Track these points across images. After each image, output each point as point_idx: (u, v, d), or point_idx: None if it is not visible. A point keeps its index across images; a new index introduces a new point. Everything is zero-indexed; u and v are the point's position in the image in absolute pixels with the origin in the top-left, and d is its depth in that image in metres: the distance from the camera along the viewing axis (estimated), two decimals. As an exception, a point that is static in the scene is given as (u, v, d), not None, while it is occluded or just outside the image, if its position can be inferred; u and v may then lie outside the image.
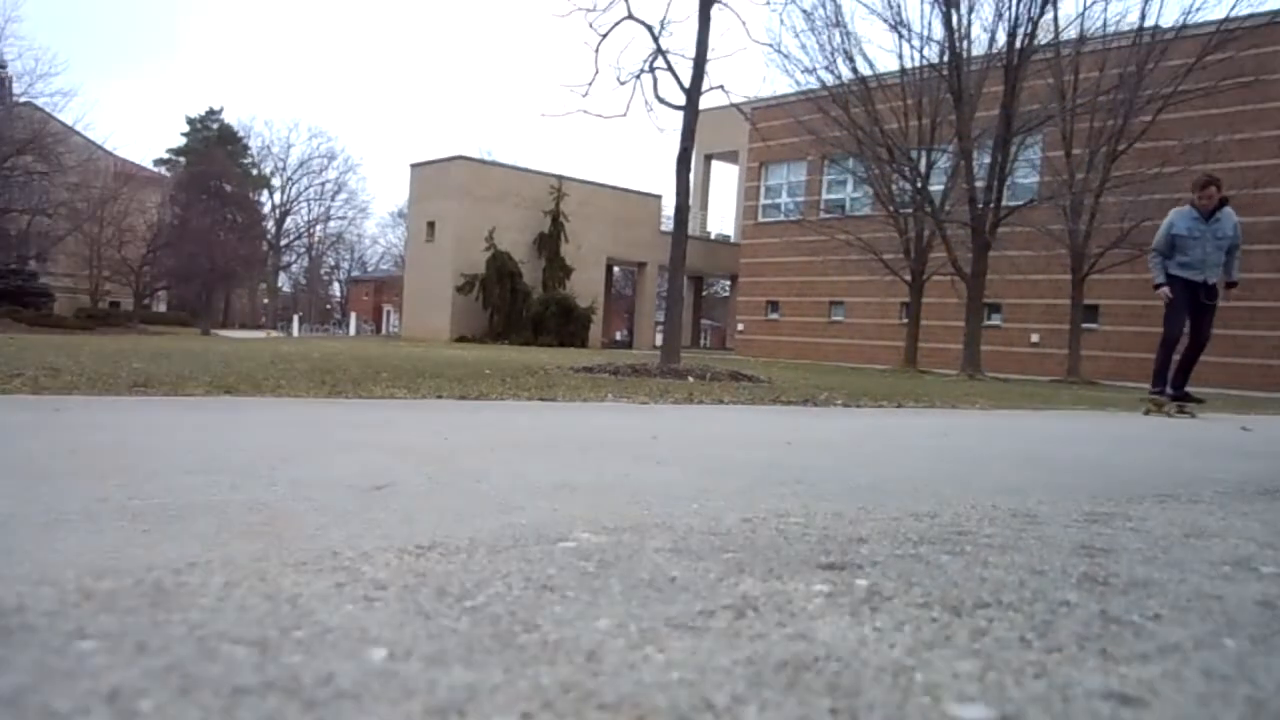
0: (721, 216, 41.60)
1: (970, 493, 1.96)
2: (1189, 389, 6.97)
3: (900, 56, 19.35)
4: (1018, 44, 16.99)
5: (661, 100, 11.02)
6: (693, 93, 10.31)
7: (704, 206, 38.12)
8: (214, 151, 57.60)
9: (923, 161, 18.50)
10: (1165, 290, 6.62)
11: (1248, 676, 0.78)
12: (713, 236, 39.63)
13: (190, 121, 63.93)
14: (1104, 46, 17.69)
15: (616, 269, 37.30)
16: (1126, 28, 18.14)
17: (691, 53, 10.32)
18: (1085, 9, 18.35)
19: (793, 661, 0.76)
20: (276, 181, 64.69)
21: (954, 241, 17.92)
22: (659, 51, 10.94)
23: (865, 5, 24.40)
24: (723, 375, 7.95)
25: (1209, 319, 6.74)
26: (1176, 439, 4.39)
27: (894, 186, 19.55)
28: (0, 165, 29.83)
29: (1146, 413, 6.59)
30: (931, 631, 0.87)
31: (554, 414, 3.69)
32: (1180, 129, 18.78)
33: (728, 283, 41.11)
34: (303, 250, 68.70)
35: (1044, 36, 17.65)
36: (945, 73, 17.43)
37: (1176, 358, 7.03)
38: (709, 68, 11.48)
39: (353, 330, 51.06)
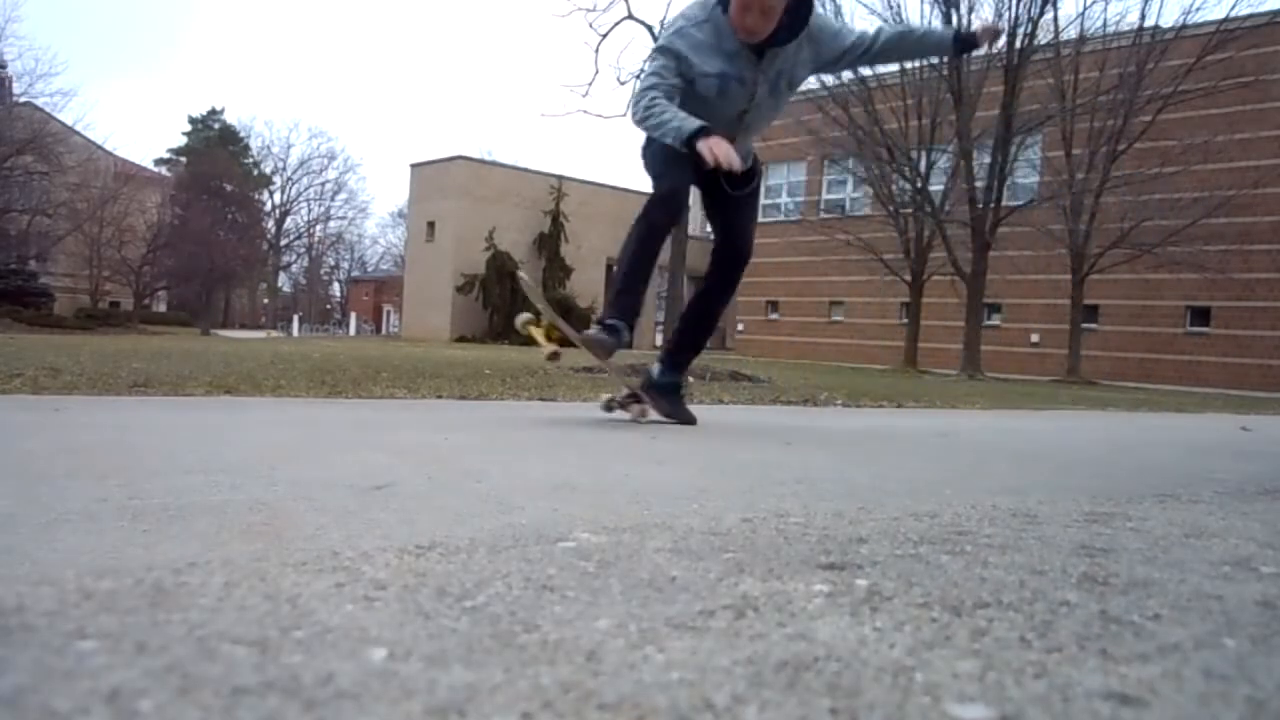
0: (722, 216, 41.52)
1: (970, 493, 1.96)
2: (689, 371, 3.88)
3: (900, 56, 19.32)
4: (1018, 44, 17.00)
5: (662, 100, 11.01)
6: (693, 93, 10.30)
7: (704, 206, 38.07)
8: (215, 151, 57.62)
9: (923, 161, 18.52)
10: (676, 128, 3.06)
11: (1248, 676, 0.78)
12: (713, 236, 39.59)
13: (192, 121, 64.03)
14: (1104, 46, 17.71)
15: (616, 269, 37.28)
16: (1126, 28, 18.17)
17: (691, 53, 10.31)
18: (1085, 9, 18.37)
19: (793, 661, 0.76)
20: (277, 181, 64.74)
21: (954, 241, 17.94)
22: (659, 51, 10.94)
23: (865, 5, 24.45)
24: (723, 375, 7.94)
25: (745, 215, 3.62)
26: (1175, 439, 4.39)
27: (894, 186, 19.57)
28: (0, 165, 29.83)
29: (608, 408, 3.57)
30: (931, 631, 0.87)
31: (554, 414, 3.69)
32: (1180, 129, 18.80)
33: (728, 283, 41.05)
34: (303, 250, 68.73)
35: (1044, 36, 17.68)
36: (945, 73, 17.44)
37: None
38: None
39: (353, 330, 51.07)
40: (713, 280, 3.66)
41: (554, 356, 3.46)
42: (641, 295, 3.41)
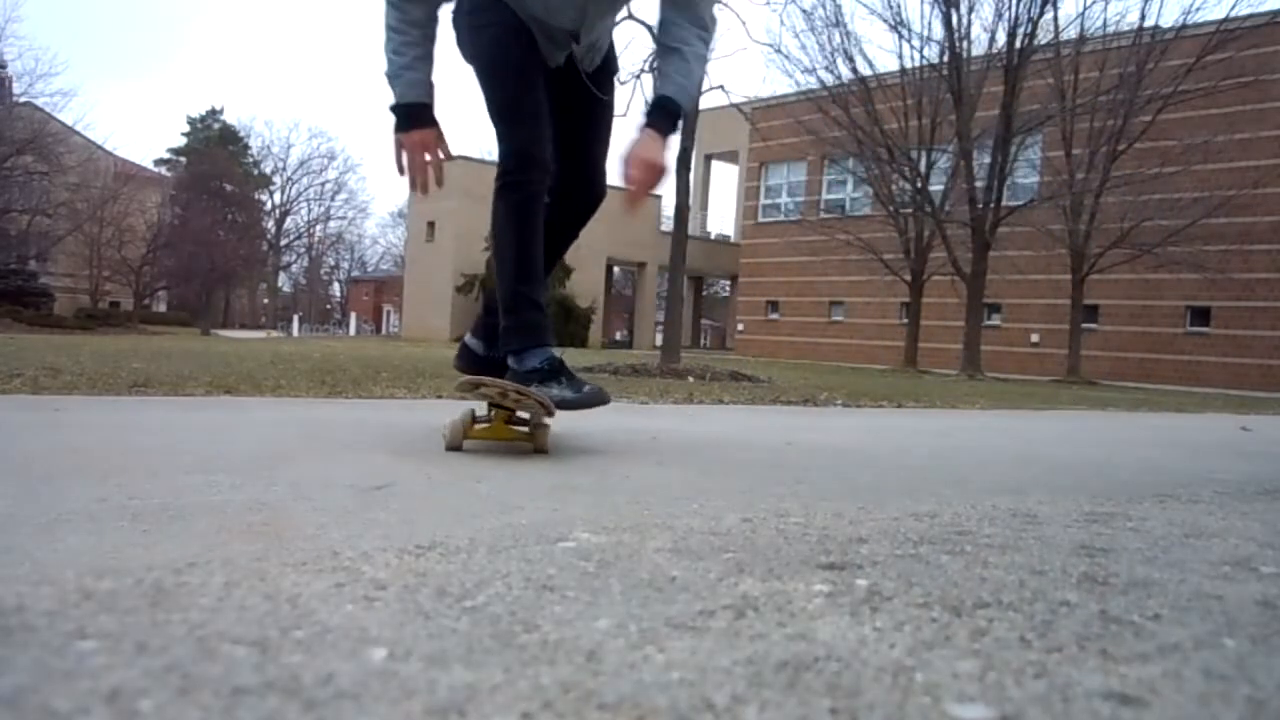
0: (721, 216, 41.63)
1: (970, 493, 1.96)
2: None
3: (900, 56, 19.37)
4: (1018, 44, 17.03)
5: (661, 100, 11.00)
6: (693, 93, 10.29)
7: (704, 206, 38.14)
8: (214, 151, 57.66)
9: (923, 161, 18.53)
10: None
11: (1248, 676, 0.78)
12: (713, 236, 39.65)
13: (191, 121, 64.06)
14: (1104, 46, 17.72)
15: (616, 269, 37.29)
16: (1126, 28, 18.18)
17: (691, 53, 10.30)
18: (1085, 9, 18.42)
19: (793, 661, 0.76)
20: (277, 181, 64.76)
21: (954, 241, 17.95)
22: (659, 51, 10.94)
23: (865, 5, 24.56)
24: (723, 375, 7.95)
25: (601, 137, 2.55)
26: (1175, 439, 4.39)
27: (894, 186, 19.58)
28: (0, 165, 29.84)
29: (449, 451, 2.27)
30: (931, 631, 0.87)
31: (555, 414, 3.68)
32: (1180, 129, 18.80)
33: (728, 283, 41.10)
34: (303, 250, 68.78)
35: (1044, 36, 17.70)
36: (945, 73, 17.46)
37: None
38: (709, 67, 11.48)
39: (353, 330, 51.10)
40: (552, 217, 2.39)
41: (540, 429, 2.40)
42: (545, 286, 2.40)
